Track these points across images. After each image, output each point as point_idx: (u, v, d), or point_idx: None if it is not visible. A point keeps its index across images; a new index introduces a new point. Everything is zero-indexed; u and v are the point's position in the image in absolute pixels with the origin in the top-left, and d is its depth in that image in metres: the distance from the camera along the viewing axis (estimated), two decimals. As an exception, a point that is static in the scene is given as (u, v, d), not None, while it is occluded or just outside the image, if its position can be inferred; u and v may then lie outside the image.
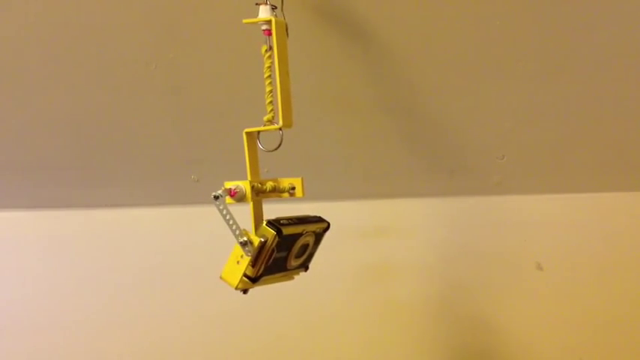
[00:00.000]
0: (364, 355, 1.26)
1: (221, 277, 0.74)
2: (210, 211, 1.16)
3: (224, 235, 1.12)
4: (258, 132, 0.74)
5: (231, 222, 0.71)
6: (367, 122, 1.06)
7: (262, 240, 0.70)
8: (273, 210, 0.75)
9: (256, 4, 0.72)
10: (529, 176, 1.18)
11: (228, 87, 0.98)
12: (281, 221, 0.73)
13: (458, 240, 1.23)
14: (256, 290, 0.75)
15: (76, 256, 1.18)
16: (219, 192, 0.71)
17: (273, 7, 0.72)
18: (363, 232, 1.22)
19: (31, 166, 1.08)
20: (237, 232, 0.70)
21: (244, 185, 0.73)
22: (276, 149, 0.75)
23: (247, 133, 0.74)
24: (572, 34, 0.93)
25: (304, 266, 0.82)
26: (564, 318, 1.25)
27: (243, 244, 0.70)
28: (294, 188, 0.76)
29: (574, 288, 1.25)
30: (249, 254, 0.70)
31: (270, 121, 0.74)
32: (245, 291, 0.75)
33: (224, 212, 0.71)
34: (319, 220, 0.80)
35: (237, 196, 0.73)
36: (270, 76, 0.72)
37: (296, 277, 0.83)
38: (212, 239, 1.18)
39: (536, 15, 0.90)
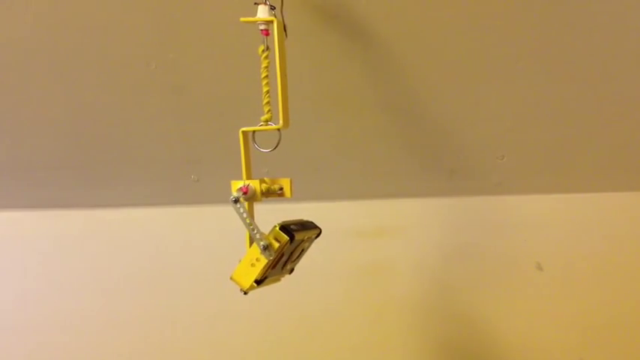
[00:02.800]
0: (363, 355, 1.26)
1: (232, 278, 0.74)
2: (210, 211, 1.19)
3: (223, 235, 1.13)
4: (254, 132, 0.74)
5: (251, 225, 0.71)
6: (367, 122, 1.06)
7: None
8: (272, 210, 0.75)
9: (255, 3, 0.72)
10: (529, 176, 1.18)
11: (228, 87, 0.98)
12: (291, 226, 0.73)
13: (457, 240, 1.23)
14: (256, 289, 0.75)
15: (76, 256, 1.18)
16: (235, 194, 0.71)
17: (272, 8, 0.72)
18: (362, 232, 1.22)
19: (31, 166, 1.08)
20: (258, 235, 0.71)
21: (253, 184, 0.73)
22: (274, 149, 0.75)
23: (244, 132, 0.74)
24: (572, 34, 0.93)
25: (291, 269, 0.83)
26: (564, 318, 1.25)
27: (265, 248, 0.70)
28: (282, 189, 0.76)
29: (574, 288, 1.24)
30: (270, 258, 0.71)
31: (267, 122, 0.74)
32: (246, 292, 0.75)
33: (244, 215, 0.71)
34: (315, 226, 0.81)
35: (248, 195, 0.73)
36: (267, 76, 0.72)
37: (293, 278, 0.83)
38: (212, 239, 1.19)
39: (536, 15, 0.90)
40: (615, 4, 0.88)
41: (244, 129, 0.73)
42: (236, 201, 0.71)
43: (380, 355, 1.26)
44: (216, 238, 1.18)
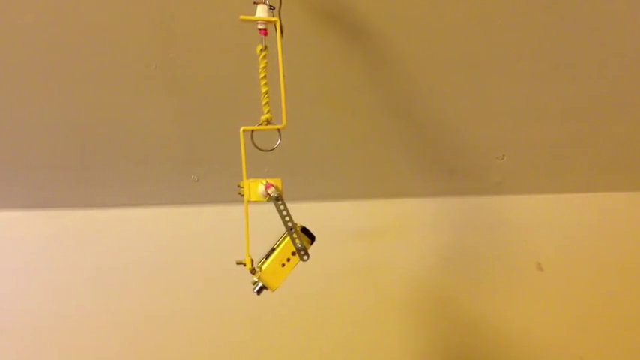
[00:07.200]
0: (363, 355, 1.26)
1: (259, 278, 0.75)
2: (210, 211, 1.19)
3: (223, 235, 1.13)
4: (252, 131, 0.74)
5: (290, 224, 0.71)
6: (367, 122, 1.06)
7: None
8: (271, 210, 0.75)
9: (254, 2, 0.72)
10: (529, 176, 1.18)
11: (228, 87, 0.98)
12: (307, 228, 0.76)
13: (458, 240, 1.23)
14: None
15: (76, 256, 1.18)
16: (274, 192, 0.72)
17: (271, 7, 0.72)
18: (362, 233, 1.22)
19: (30, 166, 1.08)
20: (295, 235, 0.71)
21: (275, 182, 0.74)
22: (274, 149, 0.75)
23: (245, 131, 0.74)
24: (572, 34, 0.93)
25: None
26: (564, 318, 1.25)
27: (300, 249, 0.72)
28: None
29: (574, 288, 1.24)
30: (305, 258, 0.72)
31: (268, 121, 0.74)
32: (259, 292, 0.76)
33: (284, 213, 0.71)
34: None
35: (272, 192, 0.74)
36: (265, 76, 0.72)
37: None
38: (212, 239, 1.19)
39: (536, 15, 0.90)
40: (615, 4, 0.89)
41: (245, 128, 0.74)
42: (277, 199, 0.71)
43: (380, 355, 1.26)
44: (216, 238, 1.18)
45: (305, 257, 0.73)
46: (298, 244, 0.72)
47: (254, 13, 0.72)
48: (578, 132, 1.09)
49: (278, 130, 0.74)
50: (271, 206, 0.74)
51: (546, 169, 1.17)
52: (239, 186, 0.75)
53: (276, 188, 0.73)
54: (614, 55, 0.97)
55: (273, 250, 0.76)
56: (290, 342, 1.25)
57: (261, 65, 0.72)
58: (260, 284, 0.75)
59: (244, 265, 0.76)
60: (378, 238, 1.22)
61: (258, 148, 0.75)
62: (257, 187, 0.74)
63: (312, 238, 0.75)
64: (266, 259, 0.76)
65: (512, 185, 1.19)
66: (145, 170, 1.12)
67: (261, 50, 0.72)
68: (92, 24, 0.87)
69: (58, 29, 0.87)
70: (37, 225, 1.17)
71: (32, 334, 1.19)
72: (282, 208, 0.71)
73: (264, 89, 0.73)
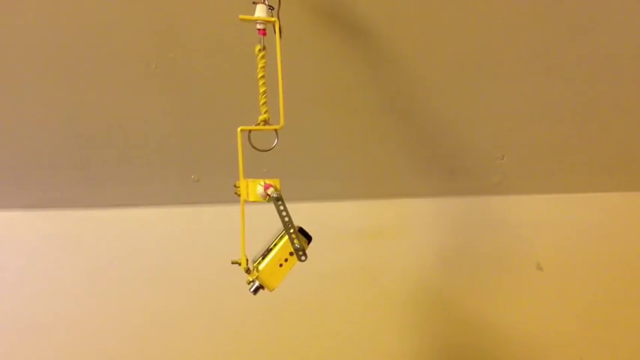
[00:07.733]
0: (362, 354, 1.26)
1: (258, 278, 0.75)
2: (210, 211, 1.19)
3: (223, 235, 1.13)
4: (250, 131, 0.74)
5: (289, 225, 0.71)
6: (367, 122, 1.06)
7: None
8: (269, 210, 0.75)
9: (253, 2, 0.72)
10: (529, 176, 1.18)
11: (228, 87, 0.98)
12: (303, 228, 0.76)
13: (458, 240, 1.23)
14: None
15: (76, 256, 1.18)
16: (274, 193, 0.72)
17: (271, 7, 0.72)
18: (362, 232, 1.22)
19: (31, 166, 1.08)
20: (294, 235, 0.71)
21: (273, 182, 0.74)
22: (270, 149, 0.75)
23: (242, 130, 0.74)
24: (572, 34, 0.93)
25: None
26: (564, 318, 1.25)
27: (298, 250, 0.72)
28: None
29: (574, 288, 1.24)
30: (304, 259, 0.72)
31: (266, 121, 0.74)
32: (256, 291, 0.76)
33: (283, 214, 0.71)
34: None
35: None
36: (264, 76, 0.72)
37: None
38: (212, 239, 1.19)
39: (536, 15, 0.90)
40: (615, 4, 0.88)
41: (242, 128, 0.74)
42: (278, 199, 0.71)
43: (380, 354, 1.26)
44: (216, 238, 1.18)
45: (303, 258, 0.73)
46: (297, 245, 0.72)
47: (253, 13, 0.72)
48: (578, 132, 1.09)
49: (275, 130, 0.74)
50: (268, 206, 0.74)
51: (546, 169, 1.17)
52: (235, 186, 0.75)
53: (275, 188, 0.73)
54: (614, 56, 0.97)
55: (269, 250, 0.76)
56: (290, 342, 1.25)
57: (260, 65, 0.72)
58: (256, 284, 0.75)
59: (239, 264, 0.76)
60: (378, 238, 1.22)
61: (255, 147, 0.75)
62: (255, 188, 0.73)
63: (309, 238, 0.75)
64: (262, 258, 0.76)
65: (512, 185, 1.19)
66: (145, 170, 1.12)
67: (259, 50, 0.72)
68: (92, 24, 0.87)
69: (58, 29, 0.87)
70: (37, 225, 1.17)
71: (32, 334, 1.19)
72: (282, 208, 0.71)
73: (262, 89, 0.73)
